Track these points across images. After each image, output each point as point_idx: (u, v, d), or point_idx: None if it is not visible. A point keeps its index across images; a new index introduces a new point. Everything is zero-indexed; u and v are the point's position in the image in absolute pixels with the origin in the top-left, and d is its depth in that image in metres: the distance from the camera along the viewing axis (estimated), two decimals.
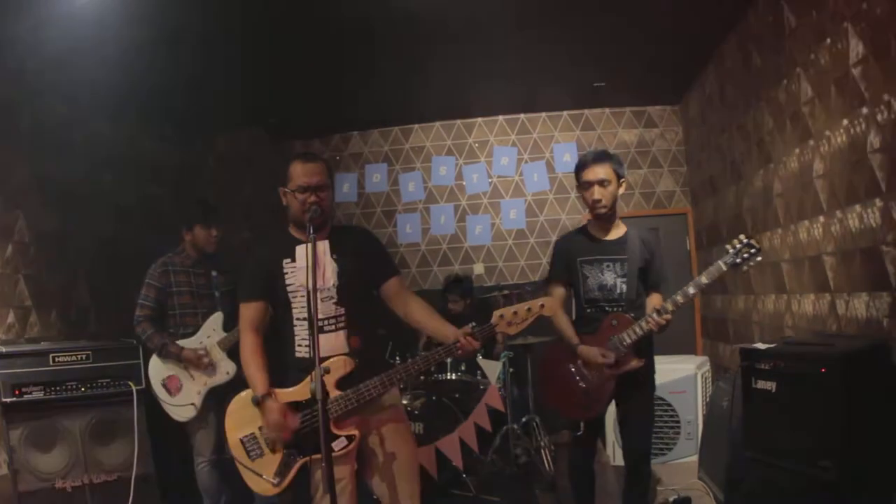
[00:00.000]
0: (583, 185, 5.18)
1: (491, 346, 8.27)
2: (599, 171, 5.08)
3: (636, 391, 5.17)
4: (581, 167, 5.18)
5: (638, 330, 4.94)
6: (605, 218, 5.24)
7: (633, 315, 5.08)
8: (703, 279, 4.86)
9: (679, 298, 4.88)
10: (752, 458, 4.95)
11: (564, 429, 7.70)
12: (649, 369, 5.27)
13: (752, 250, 4.83)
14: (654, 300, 5.21)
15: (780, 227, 6.61)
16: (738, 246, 4.85)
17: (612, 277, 5.18)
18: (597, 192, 5.08)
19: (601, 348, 5.02)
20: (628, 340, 4.96)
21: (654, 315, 4.88)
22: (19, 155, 6.70)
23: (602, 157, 5.15)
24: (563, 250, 5.42)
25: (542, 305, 4.09)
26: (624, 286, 5.15)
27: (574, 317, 5.39)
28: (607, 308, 5.18)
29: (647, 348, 5.18)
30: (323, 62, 7.97)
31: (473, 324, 4.09)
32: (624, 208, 10.49)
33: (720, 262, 4.87)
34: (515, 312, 4.06)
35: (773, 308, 6.91)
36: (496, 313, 4.07)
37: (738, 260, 4.84)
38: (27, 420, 5.71)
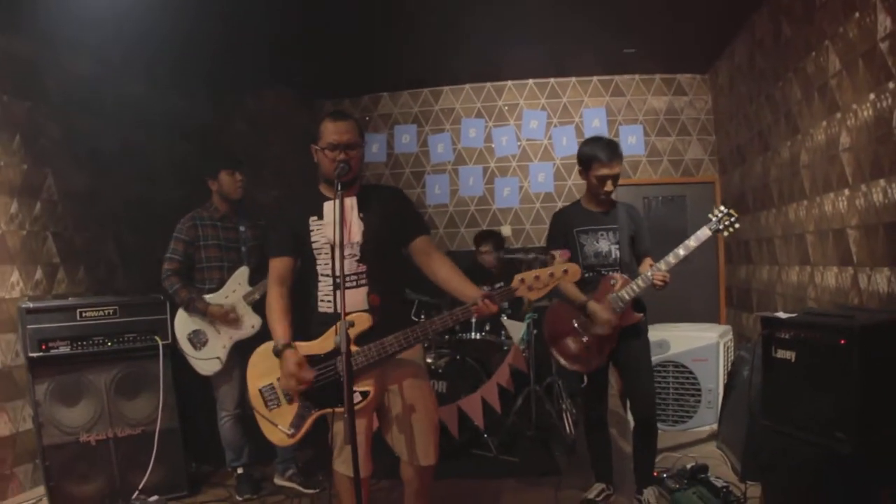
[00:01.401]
0: (596, 178, 5.48)
1: (518, 306, 8.26)
2: (616, 167, 5.46)
3: (635, 342, 5.60)
4: (595, 160, 5.46)
5: (635, 287, 5.39)
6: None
7: (628, 275, 5.49)
8: (692, 242, 5.30)
9: (671, 259, 5.32)
10: (769, 427, 4.97)
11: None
12: (644, 325, 5.68)
13: (732, 219, 5.37)
14: (647, 263, 5.58)
15: (806, 198, 6.59)
16: (720, 215, 5.39)
17: (606, 245, 5.64)
18: (609, 186, 5.48)
19: (608, 310, 5.42)
20: (627, 297, 5.40)
21: (649, 273, 5.32)
22: (49, 113, 6.74)
23: (618, 153, 5.49)
24: (560, 222, 5.83)
25: (566, 271, 4.08)
26: (618, 252, 5.62)
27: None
28: (604, 272, 5.62)
29: (641, 307, 5.59)
30: (353, 23, 7.96)
31: (501, 284, 4.11)
32: (652, 175, 10.51)
33: (706, 228, 5.34)
34: (537, 277, 4.05)
35: (797, 280, 6.90)
36: (517, 277, 4.07)
37: (720, 227, 5.38)
38: (53, 374, 5.79)
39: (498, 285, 4.13)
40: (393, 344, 4.12)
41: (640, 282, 5.34)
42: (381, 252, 4.31)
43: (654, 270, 5.27)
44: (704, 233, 5.29)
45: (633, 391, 5.67)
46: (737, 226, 5.36)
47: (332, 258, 4.21)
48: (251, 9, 7.20)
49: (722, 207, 5.42)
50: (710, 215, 5.40)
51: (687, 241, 5.27)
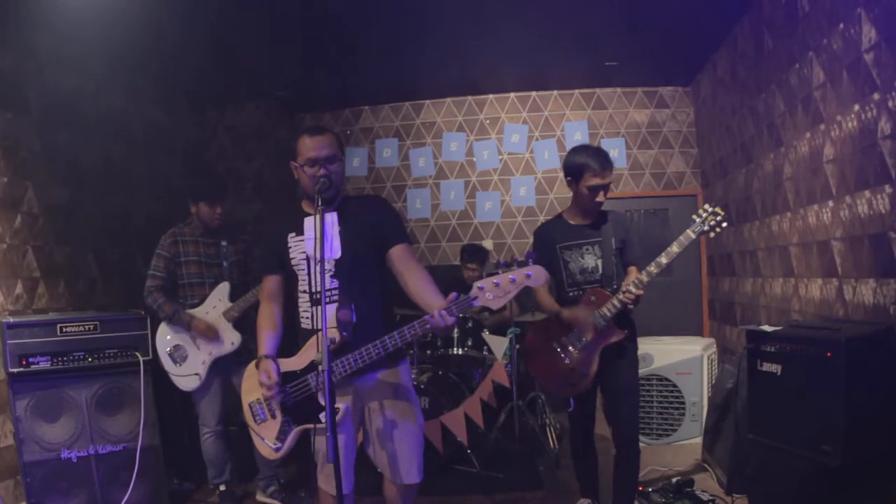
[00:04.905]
0: (588, 188, 5.20)
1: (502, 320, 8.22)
2: (608, 177, 5.19)
3: (619, 362, 5.30)
4: (587, 169, 5.17)
5: (617, 303, 5.09)
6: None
7: (611, 290, 5.22)
8: (675, 248, 4.98)
9: (653, 269, 5.00)
10: (755, 440, 4.96)
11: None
12: (632, 343, 5.39)
13: (719, 217, 5.00)
14: (632, 274, 5.25)
15: (790, 210, 6.59)
16: (704, 214, 5.04)
17: (592, 260, 5.36)
18: (601, 196, 5.22)
19: (583, 310, 5.19)
20: (609, 314, 5.13)
21: (632, 287, 5.02)
22: (29, 126, 6.70)
23: (610, 162, 5.22)
24: (542, 238, 5.57)
25: (529, 275, 3.79)
26: (602, 266, 5.33)
27: (556, 300, 5.47)
28: (589, 289, 5.32)
29: (628, 322, 5.31)
30: (335, 36, 7.96)
31: (457, 293, 3.94)
32: (634, 189, 10.52)
33: (689, 231, 5.01)
34: (497, 284, 3.77)
35: (781, 292, 6.90)
36: (476, 285, 3.80)
37: (705, 227, 5.03)
38: (34, 390, 5.70)
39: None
40: (357, 360, 4.03)
41: (615, 302, 5.10)
42: (358, 267, 4.24)
43: (638, 284, 5.00)
44: (687, 236, 4.98)
45: (614, 413, 5.39)
46: (724, 224, 5.02)
47: (309, 274, 4.16)
48: (232, 22, 7.18)
49: (707, 206, 5.08)
50: (693, 216, 5.09)
51: (669, 248, 4.98)
